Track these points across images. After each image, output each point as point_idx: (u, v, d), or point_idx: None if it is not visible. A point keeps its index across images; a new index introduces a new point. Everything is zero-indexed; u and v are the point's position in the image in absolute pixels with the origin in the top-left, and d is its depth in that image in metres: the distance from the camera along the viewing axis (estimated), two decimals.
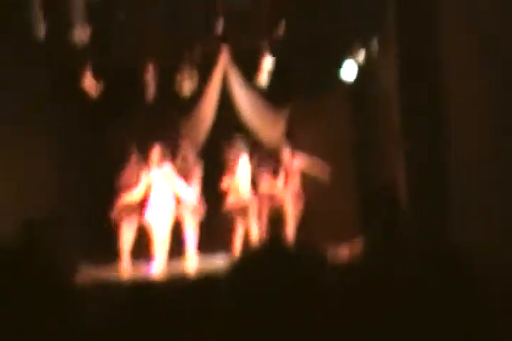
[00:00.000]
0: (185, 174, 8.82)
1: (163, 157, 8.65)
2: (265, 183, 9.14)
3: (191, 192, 8.79)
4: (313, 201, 9.18)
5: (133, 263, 8.68)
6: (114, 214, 8.70)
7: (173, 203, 8.63)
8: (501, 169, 4.73)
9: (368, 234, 7.15)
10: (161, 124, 9.46)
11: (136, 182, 8.67)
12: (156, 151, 8.67)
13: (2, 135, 7.45)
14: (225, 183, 8.86)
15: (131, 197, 8.61)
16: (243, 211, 8.80)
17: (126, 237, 8.68)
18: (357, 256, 7.31)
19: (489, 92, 5.18)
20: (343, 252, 8.37)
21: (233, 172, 8.90)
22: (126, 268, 8.56)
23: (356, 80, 9.11)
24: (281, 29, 7.93)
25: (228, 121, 9.29)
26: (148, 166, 8.67)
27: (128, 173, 8.85)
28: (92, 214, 8.97)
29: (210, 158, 9.18)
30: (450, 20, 5.91)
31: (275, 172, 9.25)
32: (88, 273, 7.74)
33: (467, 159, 5.59)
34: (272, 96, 9.47)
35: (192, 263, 8.72)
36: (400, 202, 6.82)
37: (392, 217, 6.70)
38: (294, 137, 9.75)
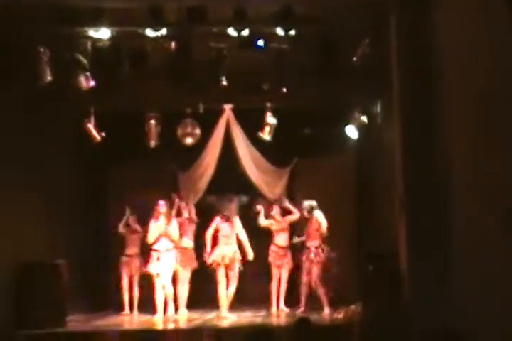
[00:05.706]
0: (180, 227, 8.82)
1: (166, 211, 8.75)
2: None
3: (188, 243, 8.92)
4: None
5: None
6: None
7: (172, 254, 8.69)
8: (507, 248, 4.55)
9: (367, 303, 6.97)
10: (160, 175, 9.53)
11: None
12: (162, 206, 8.73)
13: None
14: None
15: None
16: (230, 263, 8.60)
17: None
18: (353, 323, 7.09)
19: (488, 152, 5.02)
20: (338, 316, 8.16)
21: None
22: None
23: (359, 140, 9.06)
24: (285, 89, 7.92)
25: (230, 176, 9.23)
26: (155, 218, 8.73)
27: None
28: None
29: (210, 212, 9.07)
30: (452, 81, 5.88)
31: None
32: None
33: (471, 228, 5.44)
34: (276, 152, 9.41)
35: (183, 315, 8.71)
36: (401, 272, 6.66)
37: (393, 287, 6.54)
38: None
